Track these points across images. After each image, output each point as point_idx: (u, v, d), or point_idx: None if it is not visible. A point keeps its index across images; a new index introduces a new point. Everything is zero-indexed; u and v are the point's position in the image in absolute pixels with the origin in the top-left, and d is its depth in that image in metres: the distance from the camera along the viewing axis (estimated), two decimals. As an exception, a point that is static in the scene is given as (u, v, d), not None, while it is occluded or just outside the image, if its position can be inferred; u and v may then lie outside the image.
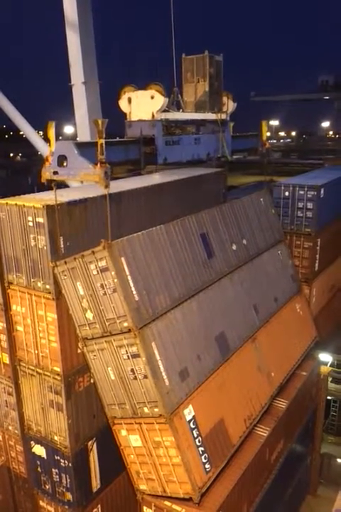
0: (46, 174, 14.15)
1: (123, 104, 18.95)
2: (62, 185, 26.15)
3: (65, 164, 14.21)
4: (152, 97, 17.85)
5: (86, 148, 14.73)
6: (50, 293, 14.10)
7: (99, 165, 13.13)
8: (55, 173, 14.04)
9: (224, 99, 22.22)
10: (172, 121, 19.52)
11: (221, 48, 22.19)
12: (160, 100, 17.90)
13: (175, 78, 20.90)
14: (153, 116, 18.04)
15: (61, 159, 14.14)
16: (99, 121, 12.94)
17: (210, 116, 21.41)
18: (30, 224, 13.91)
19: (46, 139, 13.91)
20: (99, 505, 16.25)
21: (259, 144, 22.95)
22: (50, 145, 13.87)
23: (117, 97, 19.17)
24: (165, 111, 18.58)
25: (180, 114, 20.31)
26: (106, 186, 13.29)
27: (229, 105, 22.48)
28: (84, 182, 29.44)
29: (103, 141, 12.90)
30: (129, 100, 18.49)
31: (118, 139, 19.38)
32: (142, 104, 18.13)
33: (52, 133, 13.53)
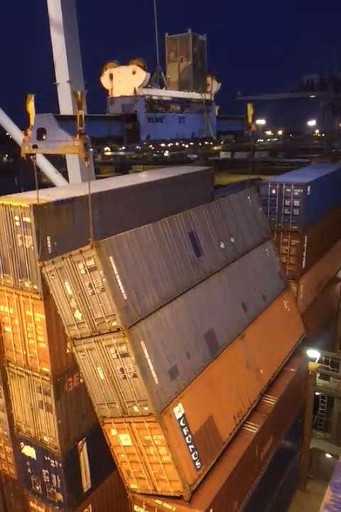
0: (25, 148, 13.71)
1: (104, 80, 18.33)
2: (48, 184, 26.08)
3: (44, 137, 13.71)
4: (134, 72, 17.44)
5: (66, 122, 14.17)
6: (37, 293, 14.01)
7: (78, 136, 12.80)
8: (35, 146, 13.60)
9: (208, 79, 21.97)
10: (155, 100, 19.24)
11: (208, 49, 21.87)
12: (142, 75, 17.48)
13: (157, 57, 20.53)
14: (135, 91, 17.79)
15: (40, 132, 13.63)
16: (79, 92, 12.63)
17: (195, 95, 21.19)
18: (17, 224, 13.80)
19: (25, 112, 13.42)
20: (90, 505, 16.18)
21: (245, 127, 22.76)
22: (29, 118, 13.47)
23: (99, 73, 18.74)
24: (147, 87, 18.31)
25: (163, 92, 19.89)
26: (86, 158, 12.98)
27: (214, 85, 22.07)
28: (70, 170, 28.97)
29: (83, 112, 12.63)
30: (111, 76, 18.15)
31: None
32: (124, 80, 17.69)
33: (31, 106, 13.15)
